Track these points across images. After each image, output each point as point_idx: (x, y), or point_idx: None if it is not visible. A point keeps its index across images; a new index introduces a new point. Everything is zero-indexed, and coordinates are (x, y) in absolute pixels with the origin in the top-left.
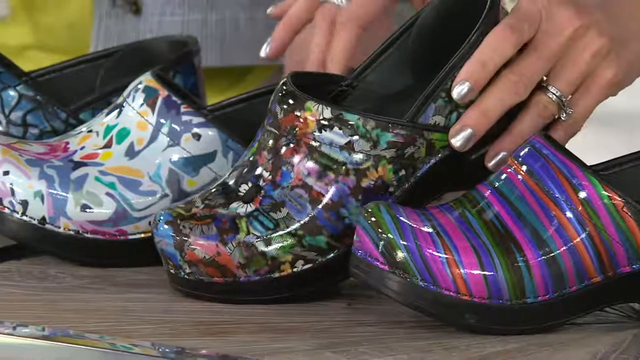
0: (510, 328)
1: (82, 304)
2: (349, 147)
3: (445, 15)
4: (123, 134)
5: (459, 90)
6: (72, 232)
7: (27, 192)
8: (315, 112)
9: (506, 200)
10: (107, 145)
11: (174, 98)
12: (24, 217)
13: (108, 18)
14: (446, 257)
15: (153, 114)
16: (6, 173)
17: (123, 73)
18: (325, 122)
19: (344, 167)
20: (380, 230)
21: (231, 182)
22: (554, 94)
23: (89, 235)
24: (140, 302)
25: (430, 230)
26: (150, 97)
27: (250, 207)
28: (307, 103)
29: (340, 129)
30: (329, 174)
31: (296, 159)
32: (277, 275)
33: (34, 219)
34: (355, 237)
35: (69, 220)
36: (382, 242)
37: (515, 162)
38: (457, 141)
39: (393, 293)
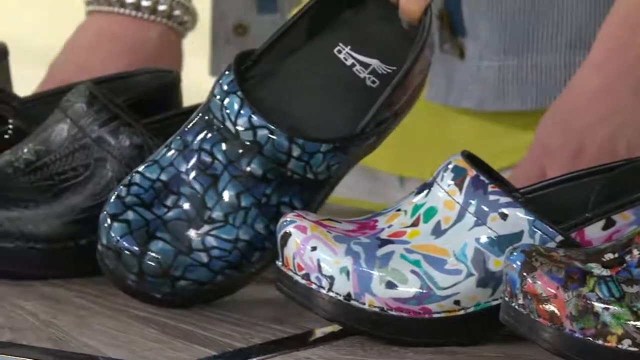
0: None
1: None
2: None
3: None
4: (430, 213)
5: None
6: (376, 309)
7: (334, 268)
8: None
9: None
10: (414, 224)
11: (482, 178)
12: (330, 293)
13: (438, 63)
14: None
15: (461, 193)
16: (314, 249)
17: None
18: None
19: None
20: None
21: (601, 247)
22: None
23: (393, 313)
24: None
25: None
26: (458, 176)
27: (605, 272)
28: None
29: None
30: None
31: None
32: (599, 342)
33: (340, 295)
34: None
35: (374, 297)
36: None
37: None
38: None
39: None
